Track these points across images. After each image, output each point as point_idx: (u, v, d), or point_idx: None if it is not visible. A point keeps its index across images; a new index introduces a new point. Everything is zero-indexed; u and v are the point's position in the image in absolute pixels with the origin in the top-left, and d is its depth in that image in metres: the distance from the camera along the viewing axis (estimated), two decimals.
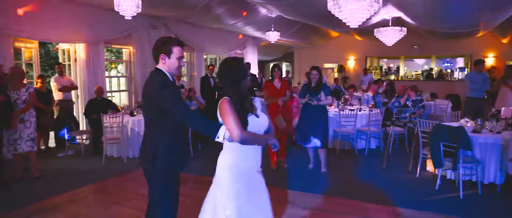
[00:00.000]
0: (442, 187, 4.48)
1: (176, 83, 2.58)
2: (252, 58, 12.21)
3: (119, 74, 12.25)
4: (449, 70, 14.64)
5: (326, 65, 15.47)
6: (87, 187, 4.80)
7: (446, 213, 3.82)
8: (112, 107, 6.77)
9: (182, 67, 2.58)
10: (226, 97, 2.26)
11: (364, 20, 6.44)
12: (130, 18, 5.77)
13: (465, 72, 13.94)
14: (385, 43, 10.35)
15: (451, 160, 4.33)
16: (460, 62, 15.04)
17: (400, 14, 9.50)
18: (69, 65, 7.62)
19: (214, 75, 8.50)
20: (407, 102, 6.88)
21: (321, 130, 5.24)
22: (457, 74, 14.23)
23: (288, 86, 5.61)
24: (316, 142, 5.25)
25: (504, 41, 12.48)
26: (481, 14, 8.06)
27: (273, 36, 9.84)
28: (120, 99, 9.23)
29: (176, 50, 2.41)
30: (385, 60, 16.41)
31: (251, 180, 2.32)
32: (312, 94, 5.25)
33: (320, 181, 4.92)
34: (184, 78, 8.98)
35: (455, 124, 4.75)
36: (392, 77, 14.90)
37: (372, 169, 5.46)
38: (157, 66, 2.44)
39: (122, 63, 10.03)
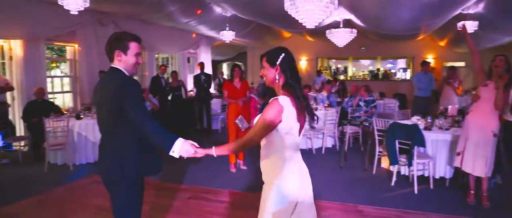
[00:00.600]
0: (397, 183, 4.65)
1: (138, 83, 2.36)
2: (205, 57, 11.96)
3: (61, 74, 11.37)
4: (393, 71, 15.45)
5: None
6: (28, 199, 4.32)
7: (403, 208, 3.94)
8: (55, 110, 6.22)
9: (140, 64, 2.37)
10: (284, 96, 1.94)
11: (321, 20, 6.53)
12: (76, 12, 5.32)
13: (407, 73, 14.84)
14: (337, 44, 10.64)
15: (406, 156, 4.50)
16: (401, 63, 15.96)
17: (351, 17, 9.81)
18: (3, 63, 6.89)
19: (165, 75, 8.19)
20: (360, 102, 7.09)
21: None
22: (400, 75, 15.08)
23: (248, 87, 5.52)
24: None
25: (442, 44, 13.44)
26: (423, 19, 8.58)
27: (228, 35, 9.70)
28: (64, 101, 8.54)
29: (133, 46, 2.20)
30: (333, 61, 16.94)
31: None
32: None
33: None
34: (135, 78, 8.53)
35: (406, 122, 4.95)
36: (342, 77, 15.42)
37: (330, 168, 5.54)
38: (112, 65, 2.22)
39: (65, 62, 9.30)
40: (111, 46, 2.19)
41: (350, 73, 15.92)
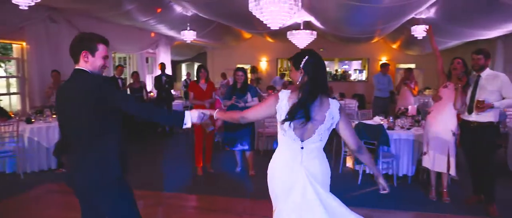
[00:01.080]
0: (363, 182, 4.77)
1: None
2: (165, 58, 11.60)
3: (6, 74, 10.49)
4: (350, 72, 16.01)
5: (239, 66, 15.57)
6: None
7: (371, 206, 4.05)
8: (1, 114, 5.70)
9: (106, 68, 2.27)
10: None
11: (285, 22, 6.56)
12: (26, 7, 4.90)
13: (363, 74, 15.44)
14: (297, 46, 10.80)
15: (372, 156, 4.62)
16: (355, 64, 16.60)
17: (311, 19, 9.98)
18: None
19: (122, 76, 7.83)
20: None
21: (248, 132, 5.15)
22: (356, 76, 15.65)
23: (214, 88, 5.41)
24: (244, 145, 5.16)
25: (394, 46, 14.12)
26: (379, 23, 8.95)
27: (189, 35, 9.48)
28: (10, 103, 7.87)
29: (101, 47, 2.12)
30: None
31: None
32: (238, 96, 5.12)
33: (249, 184, 4.84)
34: None
35: (370, 122, 5.11)
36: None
37: None
38: (77, 67, 2.09)
39: (10, 61, 8.58)
40: (78, 47, 2.08)
41: None
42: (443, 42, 10.79)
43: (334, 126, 2.18)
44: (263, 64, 15.60)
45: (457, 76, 3.92)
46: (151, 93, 9.23)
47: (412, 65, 14.38)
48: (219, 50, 15.62)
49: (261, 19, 6.53)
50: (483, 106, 3.66)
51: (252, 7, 6.38)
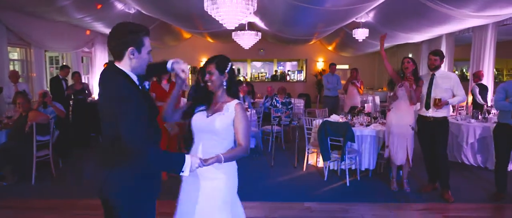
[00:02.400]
0: (329, 178, 4.96)
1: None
2: (102, 57, 10.81)
3: None
4: (289, 72, 16.52)
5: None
6: None
7: (340, 200, 4.23)
8: None
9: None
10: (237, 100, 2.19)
11: (241, 21, 6.56)
12: None
13: (302, 74, 16.05)
14: (243, 46, 10.87)
15: (338, 152, 4.85)
16: (288, 65, 17.23)
17: (256, 19, 10.10)
18: None
19: (66, 77, 7.14)
20: (277, 104, 7.37)
21: None
22: (295, 76, 16.21)
23: None
24: None
25: (330, 48, 14.93)
26: (321, 25, 9.40)
27: None
28: None
29: (147, 41, 1.87)
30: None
31: None
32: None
33: None
34: (20, 80, 7.17)
35: (331, 119, 5.33)
36: (241, 78, 15.80)
37: (261, 168, 5.59)
38: (117, 64, 1.82)
39: None
40: (124, 42, 1.79)
41: (249, 75, 16.42)
42: (375, 45, 11.69)
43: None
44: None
45: (408, 75, 4.25)
46: (93, 96, 8.53)
47: (346, 66, 15.33)
48: (157, 50, 14.99)
49: (216, 18, 6.47)
50: (441, 103, 4.05)
51: (207, 6, 6.29)
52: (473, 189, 4.62)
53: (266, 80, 15.92)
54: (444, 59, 4.35)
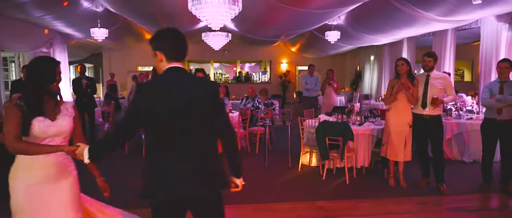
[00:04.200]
0: (326, 176, 5.06)
1: None
2: (61, 58, 10.03)
3: None
4: (253, 73, 16.59)
5: (141, 69, 14.59)
6: None
7: (344, 197, 4.35)
8: None
9: None
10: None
11: (226, 21, 6.50)
12: None
13: (266, 75, 16.20)
14: (213, 47, 10.75)
15: (336, 151, 4.97)
16: (247, 66, 17.31)
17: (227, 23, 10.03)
18: None
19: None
20: (259, 105, 7.37)
21: None
22: (259, 77, 16.32)
23: None
24: None
25: (293, 49, 15.24)
26: (294, 27, 9.58)
27: (99, 33, 8.45)
28: None
29: None
30: (192, 64, 16.91)
31: (36, 194, 2.09)
32: None
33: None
34: None
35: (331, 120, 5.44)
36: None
37: (255, 170, 5.56)
38: (179, 65, 1.95)
39: None
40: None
41: (212, 77, 16.23)
42: (340, 46, 12.14)
43: None
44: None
45: (403, 76, 4.48)
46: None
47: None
48: (117, 51, 14.31)
49: (201, 18, 6.37)
50: (438, 102, 4.33)
51: (191, 6, 6.17)
52: (460, 181, 4.97)
53: (229, 82, 15.83)
54: (437, 61, 4.62)
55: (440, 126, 4.52)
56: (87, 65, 15.86)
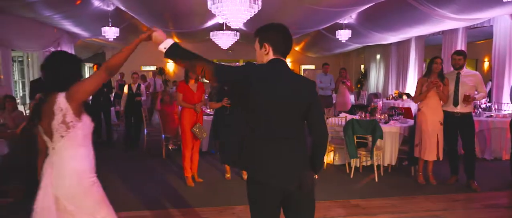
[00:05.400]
0: (354, 175, 5.05)
1: None
2: None
3: None
4: None
5: (144, 68, 14.47)
6: None
7: (375, 196, 4.32)
8: None
9: None
10: None
11: (245, 20, 6.47)
12: None
13: None
14: (221, 46, 10.72)
15: (364, 149, 4.96)
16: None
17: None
18: None
19: None
20: None
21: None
22: None
23: (204, 90, 4.93)
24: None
25: (297, 48, 15.22)
26: (308, 25, 9.56)
27: (110, 32, 8.35)
28: None
29: None
30: None
31: None
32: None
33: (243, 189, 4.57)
34: None
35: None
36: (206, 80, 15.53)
37: None
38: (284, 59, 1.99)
39: None
40: None
41: None
42: (346, 45, 12.17)
43: None
44: (171, 65, 14.84)
45: (434, 74, 4.49)
46: None
47: (312, 67, 15.77)
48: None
49: (220, 17, 6.37)
50: (470, 99, 4.35)
51: (210, 5, 6.14)
52: (487, 178, 4.98)
53: None
54: (466, 58, 4.64)
55: (471, 123, 4.54)
56: (88, 64, 15.86)
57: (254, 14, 9.50)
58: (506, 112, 6.60)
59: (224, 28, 10.21)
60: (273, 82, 1.87)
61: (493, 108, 6.59)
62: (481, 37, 9.86)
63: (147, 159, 6.14)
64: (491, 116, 6.09)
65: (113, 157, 6.31)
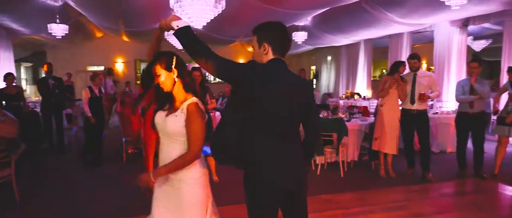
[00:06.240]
0: (320, 171, 5.24)
1: None
2: (6, 56, 9.07)
3: None
4: (207, 72, 16.40)
5: (91, 68, 13.68)
6: None
7: (344, 190, 4.54)
8: None
9: None
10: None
11: (209, 20, 6.44)
12: None
13: None
14: (176, 47, 10.49)
15: (330, 146, 5.17)
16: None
17: (187, 19, 9.88)
18: None
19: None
20: None
21: (209, 136, 4.83)
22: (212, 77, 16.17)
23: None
24: (206, 149, 4.80)
25: (250, 49, 15.36)
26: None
27: (59, 30, 7.79)
28: None
29: None
30: (143, 63, 16.22)
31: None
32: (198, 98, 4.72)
33: (215, 191, 4.50)
34: None
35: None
36: None
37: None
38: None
39: None
40: None
41: None
42: (300, 46, 12.54)
43: None
44: (119, 66, 14.19)
45: (398, 74, 4.85)
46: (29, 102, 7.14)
47: None
48: (62, 50, 13.20)
49: (183, 17, 6.26)
50: (425, 98, 4.74)
51: (173, 4, 6.08)
52: (437, 169, 5.43)
53: None
54: (421, 60, 5.04)
55: (426, 120, 4.94)
56: (25, 64, 14.64)
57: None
58: (445, 109, 7.26)
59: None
60: (277, 83, 1.87)
61: (436, 106, 7.22)
62: (423, 41, 10.73)
63: (107, 165, 5.83)
64: (436, 113, 6.67)
65: (68, 164, 5.91)
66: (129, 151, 6.20)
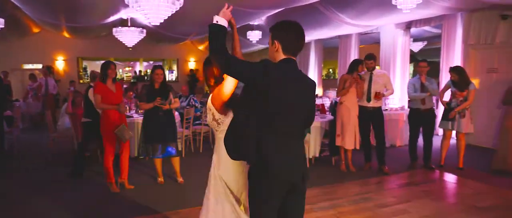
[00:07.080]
0: None
1: None
2: None
3: None
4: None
5: (27, 66, 12.59)
6: None
7: (314, 185, 4.64)
8: None
9: None
10: None
11: (166, 17, 6.24)
12: None
13: (173, 74, 15.69)
14: (126, 44, 10.04)
15: None
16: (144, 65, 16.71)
17: (138, 15, 9.50)
18: None
19: None
20: (196, 104, 7.24)
21: (174, 136, 4.70)
22: (167, 76, 15.73)
23: (122, 90, 4.59)
24: (170, 150, 4.66)
25: (201, 48, 15.17)
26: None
27: None
28: None
29: None
30: (85, 61, 15.29)
31: None
32: (162, 97, 4.55)
33: (181, 193, 4.41)
34: None
35: None
36: None
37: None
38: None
39: None
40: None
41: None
42: (252, 45, 12.60)
43: None
44: (60, 63, 13.21)
45: (357, 72, 5.08)
46: None
47: None
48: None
49: (140, 13, 6.07)
50: (380, 96, 5.02)
51: (130, 1, 5.85)
52: (390, 162, 5.78)
53: (132, 81, 14.84)
54: (376, 60, 5.33)
55: (381, 116, 5.23)
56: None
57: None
58: (393, 106, 7.75)
59: (129, 25, 9.56)
60: (290, 82, 1.94)
61: (385, 103, 7.67)
62: (370, 42, 11.36)
63: (57, 169, 5.40)
64: (386, 110, 7.09)
65: (12, 170, 5.39)
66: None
